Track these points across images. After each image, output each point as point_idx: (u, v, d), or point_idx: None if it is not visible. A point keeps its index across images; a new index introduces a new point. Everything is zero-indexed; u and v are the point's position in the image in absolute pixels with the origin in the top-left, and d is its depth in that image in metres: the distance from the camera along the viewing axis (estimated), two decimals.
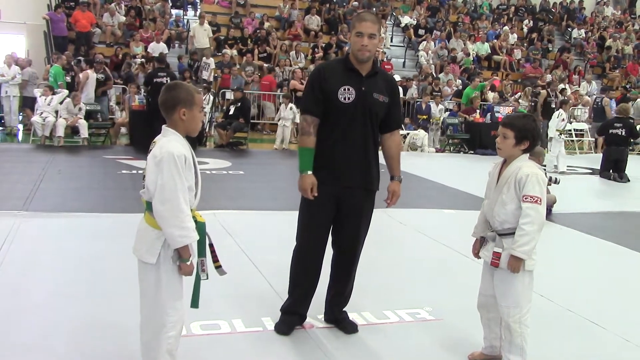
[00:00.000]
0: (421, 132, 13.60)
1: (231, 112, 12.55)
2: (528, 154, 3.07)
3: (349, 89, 3.32)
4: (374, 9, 20.55)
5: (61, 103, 11.46)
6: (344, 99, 3.31)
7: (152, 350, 2.65)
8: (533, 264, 2.99)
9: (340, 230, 3.47)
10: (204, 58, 15.15)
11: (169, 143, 2.53)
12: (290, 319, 3.55)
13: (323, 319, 3.67)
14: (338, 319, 3.62)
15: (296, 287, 3.54)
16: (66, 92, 11.86)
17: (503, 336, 3.11)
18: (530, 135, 3.00)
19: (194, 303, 2.69)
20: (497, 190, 3.05)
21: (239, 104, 12.62)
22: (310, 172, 3.32)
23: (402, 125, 13.99)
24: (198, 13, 18.59)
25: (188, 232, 2.50)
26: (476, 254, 3.26)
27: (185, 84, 2.70)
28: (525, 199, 2.92)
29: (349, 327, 3.58)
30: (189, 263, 2.58)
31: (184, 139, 2.61)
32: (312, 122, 3.36)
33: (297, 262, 3.53)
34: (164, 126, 2.65)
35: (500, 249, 3.00)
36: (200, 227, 2.61)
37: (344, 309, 3.64)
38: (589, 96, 16.61)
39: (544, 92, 14.47)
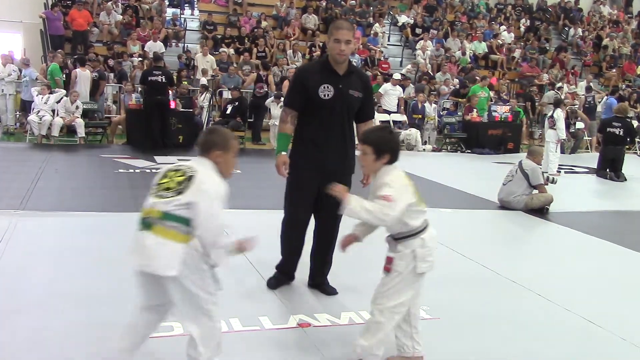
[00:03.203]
0: (413, 131, 13.59)
1: (228, 111, 12.55)
2: (391, 165, 3.01)
3: (328, 87, 3.81)
4: (371, 8, 20.57)
5: (58, 102, 11.44)
6: (324, 95, 3.81)
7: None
8: (425, 267, 2.99)
9: (322, 210, 3.97)
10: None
11: (215, 177, 2.70)
12: (281, 277, 4.20)
13: (307, 285, 4.18)
14: (319, 284, 4.15)
15: (285, 248, 4.17)
16: (63, 91, 11.85)
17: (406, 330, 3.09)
18: (388, 148, 2.98)
19: None
20: None
21: (237, 103, 12.61)
22: (284, 153, 3.88)
23: (401, 125, 14.06)
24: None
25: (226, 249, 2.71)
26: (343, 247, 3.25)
27: (224, 130, 2.92)
28: (378, 197, 2.89)
29: (328, 290, 4.12)
30: (238, 247, 2.75)
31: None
32: (290, 114, 3.93)
33: (285, 230, 4.13)
34: (201, 158, 2.75)
35: (393, 253, 2.99)
36: None
37: (326, 275, 4.18)
38: (584, 96, 16.61)
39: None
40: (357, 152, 3.47)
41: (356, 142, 3.80)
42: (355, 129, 4.05)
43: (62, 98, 11.52)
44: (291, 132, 3.94)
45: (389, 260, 3.00)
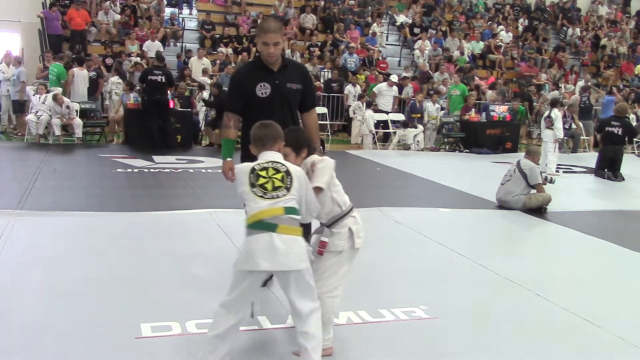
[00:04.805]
0: (408, 131, 13.56)
1: None
2: (312, 156, 3.18)
3: (264, 85, 3.87)
4: (370, 8, 20.56)
5: (43, 103, 11.31)
6: (262, 93, 3.87)
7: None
8: (359, 242, 3.15)
9: None
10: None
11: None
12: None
13: None
14: None
15: None
16: (60, 89, 11.78)
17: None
18: (304, 144, 3.17)
19: None
20: None
21: None
22: (229, 159, 3.86)
23: (398, 125, 14.06)
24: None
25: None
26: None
27: (276, 123, 3.07)
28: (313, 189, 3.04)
29: None
30: None
31: None
32: (233, 118, 3.98)
33: None
34: (276, 153, 2.94)
35: (327, 237, 3.12)
36: None
37: None
38: (580, 96, 16.59)
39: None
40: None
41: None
42: (302, 120, 4.12)
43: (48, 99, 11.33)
44: (234, 137, 4.02)
45: (323, 244, 3.12)
